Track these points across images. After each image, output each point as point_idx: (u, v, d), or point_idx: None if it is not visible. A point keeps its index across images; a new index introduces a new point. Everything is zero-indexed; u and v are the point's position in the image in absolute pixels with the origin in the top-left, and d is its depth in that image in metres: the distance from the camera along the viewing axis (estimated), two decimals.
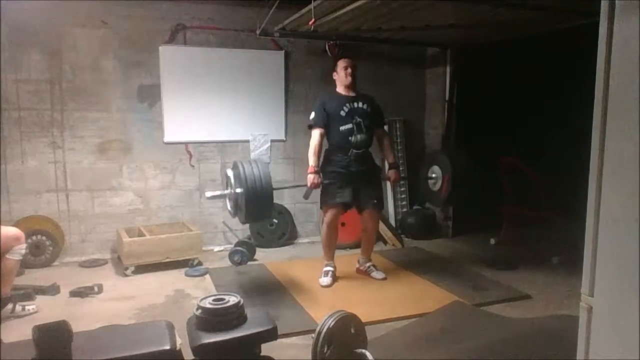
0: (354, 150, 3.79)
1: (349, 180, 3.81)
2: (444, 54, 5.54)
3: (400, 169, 4.94)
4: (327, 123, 3.83)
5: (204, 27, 4.85)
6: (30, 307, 3.38)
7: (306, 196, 3.77)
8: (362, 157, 3.84)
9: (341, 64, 3.92)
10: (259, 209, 3.39)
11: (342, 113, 3.83)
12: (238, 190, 3.35)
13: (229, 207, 3.57)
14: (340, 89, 3.95)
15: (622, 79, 1.18)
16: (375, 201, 3.97)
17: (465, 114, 5.53)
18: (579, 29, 3.74)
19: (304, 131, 5.34)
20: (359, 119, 3.82)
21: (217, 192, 3.64)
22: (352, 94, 3.92)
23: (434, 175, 4.13)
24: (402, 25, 4.31)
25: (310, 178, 3.70)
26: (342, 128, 3.81)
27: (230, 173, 3.47)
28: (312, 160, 3.73)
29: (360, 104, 3.89)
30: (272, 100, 5.17)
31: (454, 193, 3.96)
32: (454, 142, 5.60)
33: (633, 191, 1.15)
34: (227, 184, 3.54)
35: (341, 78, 3.91)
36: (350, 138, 3.80)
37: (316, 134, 3.82)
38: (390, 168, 4.07)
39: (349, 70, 3.88)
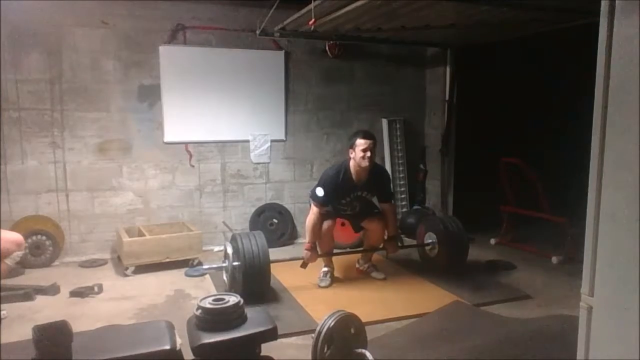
0: (342, 213, 4.01)
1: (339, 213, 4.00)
2: (444, 54, 5.54)
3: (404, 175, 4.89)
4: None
5: (204, 27, 4.85)
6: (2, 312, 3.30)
7: (304, 266, 3.86)
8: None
9: (360, 144, 3.65)
10: (257, 282, 3.51)
11: (343, 201, 3.88)
12: (235, 263, 3.48)
13: (225, 280, 3.67)
14: (354, 171, 3.75)
15: (622, 79, 1.18)
16: (376, 210, 4.04)
17: (465, 114, 5.54)
18: (579, 29, 3.74)
19: (304, 131, 5.37)
20: (357, 206, 3.95)
21: (215, 265, 3.79)
22: (363, 179, 3.78)
23: (430, 241, 4.26)
24: (402, 25, 4.31)
25: (307, 254, 3.80)
26: (339, 207, 3.93)
27: (228, 247, 3.59)
28: (309, 237, 3.83)
29: (365, 194, 3.89)
30: (272, 100, 5.17)
31: (451, 264, 4.12)
32: (454, 143, 5.60)
33: (633, 191, 1.15)
34: (225, 256, 3.65)
35: (358, 160, 3.67)
36: (342, 213, 3.99)
37: (317, 211, 3.78)
38: (388, 240, 4.06)
39: (368, 154, 3.64)
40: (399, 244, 4.17)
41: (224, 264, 3.69)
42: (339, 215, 4.00)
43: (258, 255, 3.47)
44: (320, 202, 3.75)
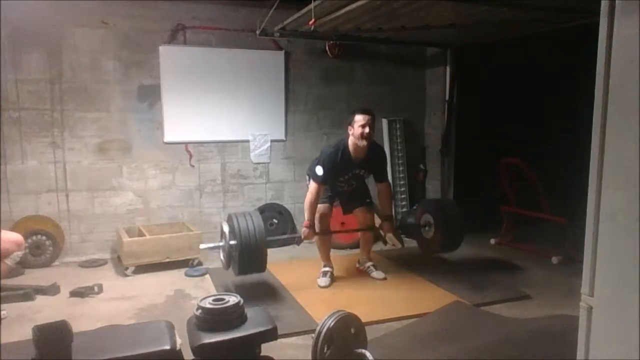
0: (339, 190, 4.02)
1: (333, 195, 4.04)
2: (444, 54, 5.54)
3: (403, 169, 4.91)
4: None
5: (204, 27, 4.85)
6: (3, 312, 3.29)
7: (298, 242, 3.92)
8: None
9: (358, 119, 3.68)
10: (253, 261, 3.51)
11: (341, 178, 3.89)
12: (232, 242, 3.47)
13: (222, 259, 3.67)
14: (352, 148, 3.76)
15: (622, 79, 1.18)
16: (368, 200, 4.10)
17: (465, 114, 5.54)
18: (579, 29, 3.74)
19: (304, 131, 5.37)
20: (353, 183, 3.98)
21: (212, 244, 3.78)
22: (361, 157, 3.80)
23: (427, 224, 4.30)
24: (402, 25, 4.31)
25: (305, 232, 3.81)
26: (336, 184, 3.95)
27: (225, 226, 3.58)
28: (307, 214, 3.82)
29: (363, 172, 3.92)
30: (272, 100, 5.17)
31: (445, 245, 4.22)
32: (454, 143, 5.60)
33: (633, 191, 1.15)
34: (222, 236, 3.65)
35: (356, 136, 3.69)
36: (339, 189, 4.01)
37: (315, 188, 3.78)
38: (384, 220, 4.12)
39: (366, 130, 3.65)
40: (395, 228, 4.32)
41: (220, 243, 3.68)
42: (334, 192, 3.99)
43: (254, 233, 3.45)
44: (320, 181, 3.76)
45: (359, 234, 4.31)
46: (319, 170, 3.75)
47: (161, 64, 4.71)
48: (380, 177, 4.04)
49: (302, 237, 3.86)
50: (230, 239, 3.51)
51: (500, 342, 2.80)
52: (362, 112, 3.73)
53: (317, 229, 4.02)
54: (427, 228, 4.30)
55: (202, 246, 3.82)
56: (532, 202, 4.79)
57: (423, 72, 5.87)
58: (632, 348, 1.17)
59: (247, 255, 3.45)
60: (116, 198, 4.75)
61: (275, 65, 5.13)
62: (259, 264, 3.57)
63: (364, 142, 3.68)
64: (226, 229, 3.57)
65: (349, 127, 3.76)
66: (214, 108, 4.95)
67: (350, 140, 3.77)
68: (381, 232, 4.74)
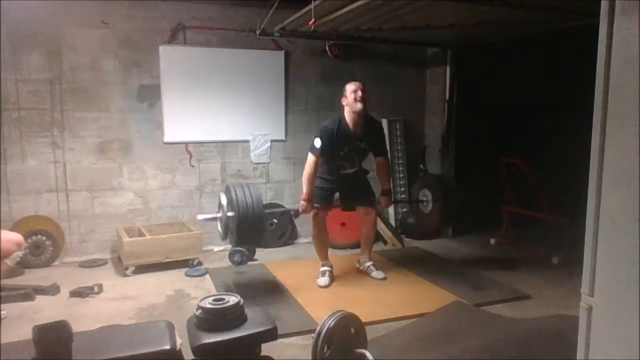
0: (342, 172, 3.95)
1: (335, 185, 3.97)
2: (444, 54, 5.54)
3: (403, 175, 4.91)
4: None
5: (204, 27, 4.85)
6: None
7: (296, 216, 3.93)
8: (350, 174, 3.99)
9: (349, 87, 3.73)
10: (250, 232, 3.47)
11: (341, 153, 3.87)
12: (230, 214, 3.43)
13: (219, 230, 3.65)
14: (348, 118, 3.78)
15: (622, 79, 1.18)
16: (372, 198, 4.10)
17: (465, 114, 5.53)
18: (579, 29, 3.74)
19: (304, 131, 5.37)
20: (355, 158, 3.94)
21: (209, 215, 3.75)
22: (358, 131, 3.80)
23: (424, 199, 4.33)
24: (402, 25, 4.31)
25: (303, 205, 3.79)
26: (337, 161, 3.91)
27: (222, 197, 3.55)
28: (305, 188, 3.80)
29: (362, 144, 3.90)
30: (272, 100, 5.17)
31: (443, 219, 4.30)
32: (454, 143, 5.60)
33: (633, 191, 1.15)
34: (219, 207, 3.62)
35: (350, 103, 3.71)
36: (340, 170, 3.94)
37: (313, 160, 3.78)
38: (382, 194, 4.14)
39: (359, 93, 3.68)
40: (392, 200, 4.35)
41: (218, 214, 3.66)
42: (336, 178, 3.95)
43: (252, 205, 3.41)
44: (318, 152, 3.75)
45: (359, 233, 4.30)
46: (317, 142, 3.75)
47: (161, 64, 4.71)
48: (379, 151, 4.04)
49: (300, 210, 3.82)
50: (228, 210, 3.46)
51: (500, 342, 2.81)
52: (354, 82, 3.77)
53: (313, 229, 4.03)
54: (425, 203, 4.33)
55: (199, 217, 3.77)
56: (532, 202, 4.79)
57: (423, 72, 5.87)
58: (632, 348, 1.17)
59: (245, 227, 3.40)
60: (116, 198, 4.75)
61: (275, 65, 5.13)
62: (257, 235, 3.54)
63: (359, 106, 3.69)
64: (224, 200, 3.52)
65: (343, 99, 3.79)
66: (214, 108, 4.95)
67: (346, 111, 3.79)
68: (383, 232, 4.75)
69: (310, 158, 3.79)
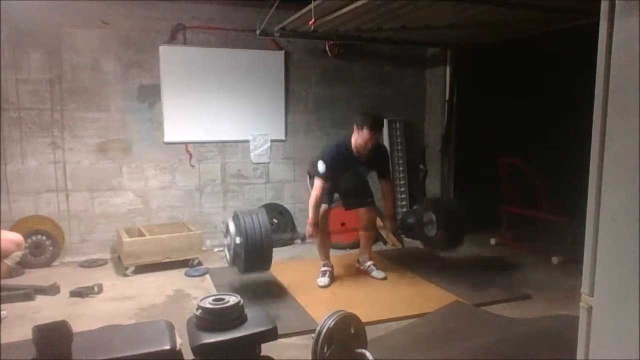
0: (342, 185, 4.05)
1: (335, 185, 3.97)
2: (444, 54, 5.54)
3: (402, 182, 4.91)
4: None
5: (204, 27, 4.85)
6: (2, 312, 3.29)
7: (302, 240, 4.03)
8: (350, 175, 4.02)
9: (366, 134, 3.72)
10: (258, 259, 3.50)
11: (345, 172, 3.92)
12: (237, 240, 3.46)
13: (227, 257, 3.66)
14: (354, 145, 3.81)
15: (622, 79, 1.18)
16: (370, 200, 4.11)
17: (465, 114, 5.53)
18: (579, 29, 3.74)
19: (304, 131, 5.37)
20: (356, 179, 4.03)
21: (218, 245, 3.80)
22: (364, 155, 3.83)
23: (429, 221, 4.28)
24: (402, 25, 4.31)
25: (309, 230, 3.82)
26: (339, 179, 3.96)
27: (230, 224, 3.57)
28: (311, 213, 3.80)
29: (365, 168, 3.96)
30: (272, 100, 5.17)
31: (448, 244, 4.23)
32: (454, 143, 5.60)
33: (633, 191, 1.15)
34: (227, 233, 3.64)
35: (363, 140, 3.73)
36: (341, 185, 4.02)
37: (321, 185, 3.78)
38: (387, 219, 4.20)
39: (373, 142, 3.77)
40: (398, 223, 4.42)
41: (225, 241, 3.68)
42: (336, 187, 4.00)
43: (260, 231, 3.45)
44: (324, 175, 3.76)
45: (359, 233, 4.31)
46: (321, 166, 3.76)
47: (161, 64, 4.71)
48: (383, 175, 4.07)
49: (307, 235, 3.86)
50: (235, 237, 3.49)
51: (500, 342, 2.80)
52: (373, 127, 3.73)
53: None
54: (429, 226, 4.29)
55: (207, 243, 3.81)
56: (532, 201, 4.79)
57: (423, 72, 5.87)
58: (632, 348, 1.17)
59: (253, 254, 3.44)
60: (116, 198, 4.75)
61: (275, 65, 5.13)
62: (265, 262, 3.56)
63: (369, 147, 3.78)
64: (232, 227, 3.55)
65: (357, 128, 3.77)
66: (214, 108, 4.95)
67: (354, 139, 3.81)
68: (383, 233, 4.74)
69: (318, 183, 3.78)
